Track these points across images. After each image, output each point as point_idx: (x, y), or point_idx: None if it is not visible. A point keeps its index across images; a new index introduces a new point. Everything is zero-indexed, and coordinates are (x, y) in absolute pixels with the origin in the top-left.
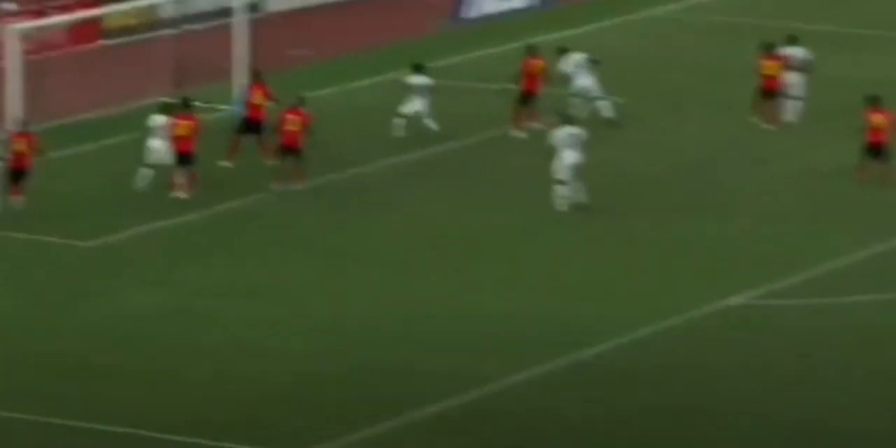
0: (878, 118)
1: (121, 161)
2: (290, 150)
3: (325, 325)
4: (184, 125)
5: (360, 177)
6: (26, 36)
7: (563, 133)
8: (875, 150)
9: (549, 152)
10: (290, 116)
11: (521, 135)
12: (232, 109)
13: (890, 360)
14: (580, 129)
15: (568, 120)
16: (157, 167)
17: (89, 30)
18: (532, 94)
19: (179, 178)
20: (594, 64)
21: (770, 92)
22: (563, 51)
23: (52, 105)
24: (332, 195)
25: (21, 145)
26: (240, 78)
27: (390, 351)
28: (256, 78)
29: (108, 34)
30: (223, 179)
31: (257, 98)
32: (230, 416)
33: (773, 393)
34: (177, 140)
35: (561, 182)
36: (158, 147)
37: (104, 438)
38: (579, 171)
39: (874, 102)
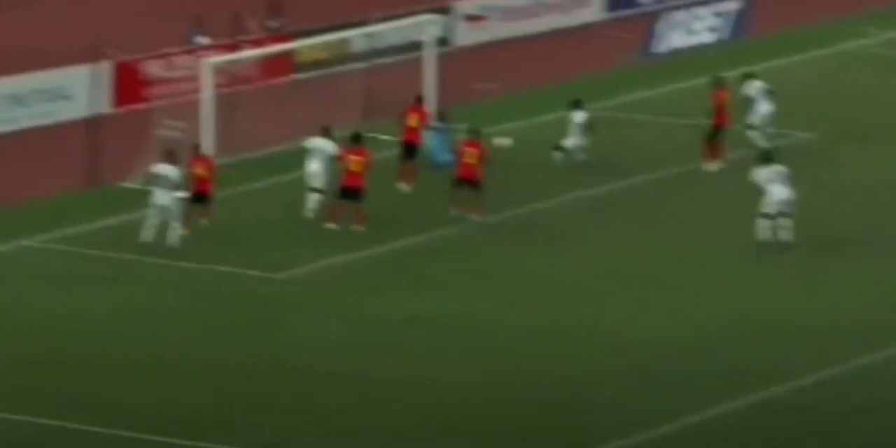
0: None
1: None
2: (468, 182)
3: (506, 356)
4: (355, 161)
5: (543, 210)
6: (219, 69)
7: (769, 171)
8: None
9: (738, 187)
10: (468, 149)
11: (713, 168)
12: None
13: None
14: (782, 165)
15: (769, 157)
16: (322, 191)
17: (281, 64)
18: (721, 128)
19: (337, 209)
20: (771, 94)
21: None
22: (748, 76)
23: (243, 138)
24: (514, 228)
25: (200, 170)
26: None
27: (572, 382)
28: (417, 102)
29: (299, 68)
30: (403, 211)
31: (413, 121)
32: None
33: None
34: (348, 175)
35: (767, 215)
36: (315, 170)
37: None
38: (791, 206)
39: None
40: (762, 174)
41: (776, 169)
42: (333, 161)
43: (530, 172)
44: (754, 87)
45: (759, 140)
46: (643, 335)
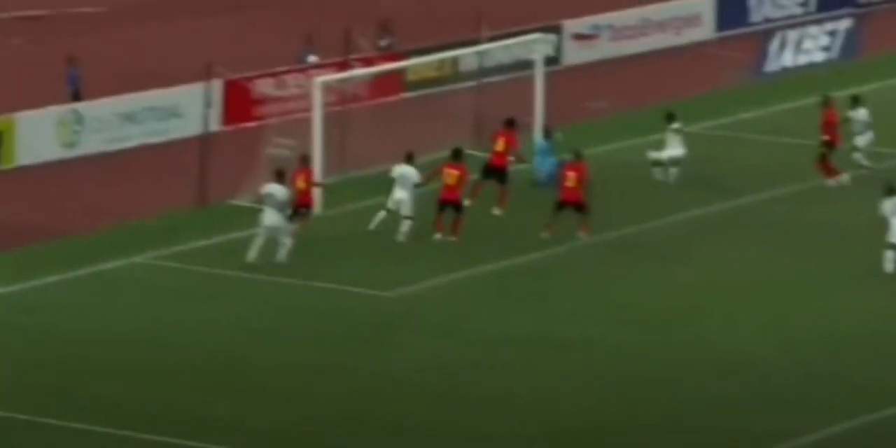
0: None
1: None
2: (571, 204)
3: (615, 377)
4: (451, 174)
5: (650, 230)
6: (329, 88)
7: (893, 202)
8: None
9: (849, 206)
10: (568, 173)
11: (834, 183)
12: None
13: None
14: None
15: (893, 189)
16: (411, 217)
17: (391, 82)
18: (832, 146)
19: (440, 221)
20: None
21: None
22: (856, 100)
23: (352, 156)
24: (621, 247)
25: (301, 182)
26: (538, 130)
27: (675, 402)
28: (508, 125)
29: (409, 87)
30: (512, 230)
31: (500, 145)
32: None
33: None
34: (445, 188)
35: (893, 247)
36: (401, 198)
37: None
38: None
39: None
40: (887, 206)
41: None
42: (418, 187)
43: (639, 192)
44: (861, 114)
45: (863, 161)
46: (748, 354)
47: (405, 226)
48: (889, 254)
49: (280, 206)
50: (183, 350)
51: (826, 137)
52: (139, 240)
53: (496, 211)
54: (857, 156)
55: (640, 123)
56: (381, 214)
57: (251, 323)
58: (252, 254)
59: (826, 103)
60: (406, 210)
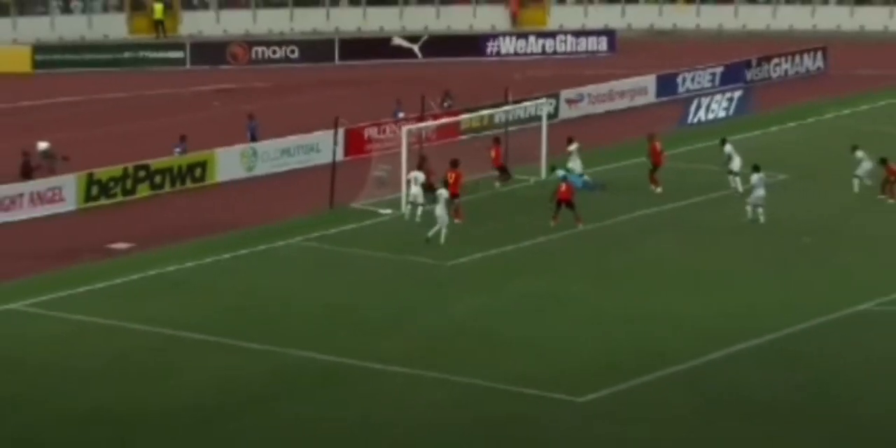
0: None
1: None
2: (566, 203)
3: (597, 317)
4: (452, 176)
5: (610, 224)
6: (411, 133)
7: (756, 177)
8: None
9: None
10: (564, 185)
11: (658, 190)
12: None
13: None
14: None
15: (757, 168)
16: (415, 205)
17: (451, 129)
18: (657, 166)
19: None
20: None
21: None
22: (723, 140)
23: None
24: (596, 235)
25: (451, 177)
26: (543, 162)
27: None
28: (453, 165)
29: (462, 132)
30: (520, 223)
31: (451, 178)
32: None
33: None
34: (450, 185)
35: (753, 204)
36: (440, 213)
37: None
38: None
39: None
40: (754, 178)
41: None
42: (451, 205)
43: (603, 198)
44: (728, 147)
45: (736, 184)
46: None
47: (419, 210)
48: (748, 208)
49: (446, 203)
50: (327, 295)
51: (652, 160)
52: (293, 229)
53: (456, 220)
54: (732, 178)
55: (607, 156)
56: (408, 207)
57: (348, 282)
58: (432, 232)
59: (651, 138)
60: (420, 199)
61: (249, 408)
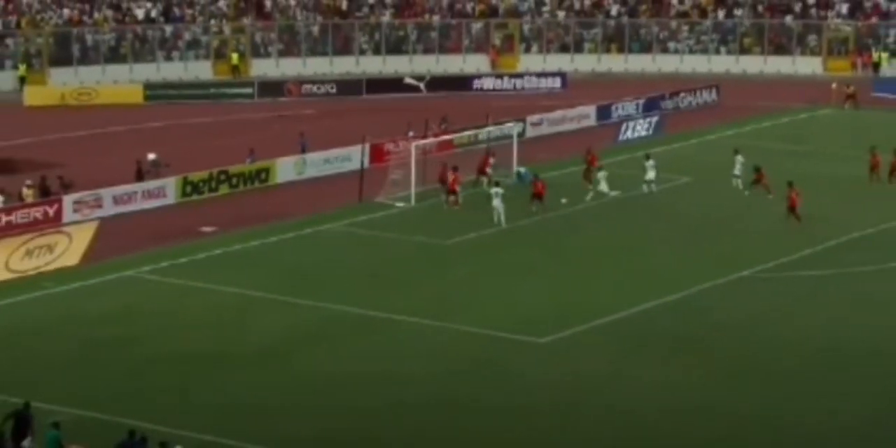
0: None
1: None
2: (538, 197)
3: (579, 274)
4: (453, 176)
5: (574, 212)
6: (418, 147)
7: (649, 163)
8: None
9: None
10: (537, 183)
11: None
12: (515, 179)
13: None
14: None
15: (648, 156)
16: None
17: (447, 145)
18: (591, 168)
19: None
20: (655, 165)
21: None
22: (647, 155)
23: (428, 179)
24: (556, 222)
25: (451, 177)
26: (515, 168)
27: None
28: (454, 170)
29: (456, 147)
30: (514, 208)
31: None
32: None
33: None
34: (451, 184)
35: (647, 182)
36: (496, 205)
37: None
38: None
39: None
40: (647, 164)
41: None
42: (504, 198)
43: (571, 192)
44: (650, 163)
45: (651, 188)
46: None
47: (497, 216)
48: (644, 186)
49: (501, 197)
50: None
51: (589, 165)
52: (332, 217)
53: (455, 208)
54: (647, 186)
55: (561, 164)
56: (501, 216)
57: (373, 255)
58: (497, 220)
59: (588, 151)
60: (501, 214)
61: (303, 347)
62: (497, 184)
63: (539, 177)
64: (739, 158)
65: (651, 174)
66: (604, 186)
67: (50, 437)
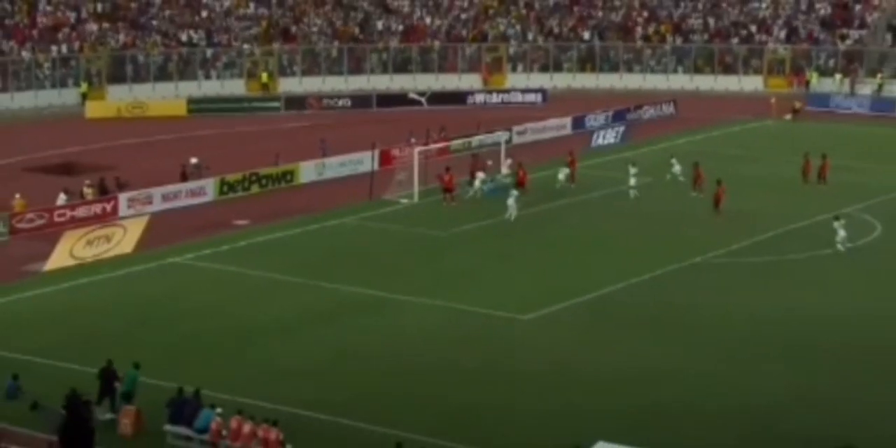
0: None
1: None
2: (521, 186)
3: (564, 260)
4: (448, 177)
5: (557, 207)
6: (421, 152)
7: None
8: None
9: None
10: (520, 173)
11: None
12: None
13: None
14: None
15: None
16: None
17: (444, 150)
18: (523, 185)
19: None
20: (635, 166)
21: None
22: (630, 162)
23: (430, 179)
24: (541, 216)
25: (447, 178)
26: (504, 169)
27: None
28: (446, 170)
29: (452, 152)
30: (491, 206)
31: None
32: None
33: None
34: (447, 182)
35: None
36: (511, 204)
37: None
38: None
39: None
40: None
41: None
42: (517, 199)
43: (541, 191)
44: (632, 171)
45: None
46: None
47: (512, 212)
48: (630, 192)
49: (515, 197)
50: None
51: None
52: (347, 212)
53: (452, 204)
54: (632, 191)
55: (543, 167)
56: (515, 214)
57: (382, 244)
58: (509, 215)
59: (570, 153)
60: (514, 211)
61: (320, 322)
62: (515, 186)
63: (522, 165)
64: (674, 161)
65: (633, 180)
66: (561, 177)
67: (129, 375)
